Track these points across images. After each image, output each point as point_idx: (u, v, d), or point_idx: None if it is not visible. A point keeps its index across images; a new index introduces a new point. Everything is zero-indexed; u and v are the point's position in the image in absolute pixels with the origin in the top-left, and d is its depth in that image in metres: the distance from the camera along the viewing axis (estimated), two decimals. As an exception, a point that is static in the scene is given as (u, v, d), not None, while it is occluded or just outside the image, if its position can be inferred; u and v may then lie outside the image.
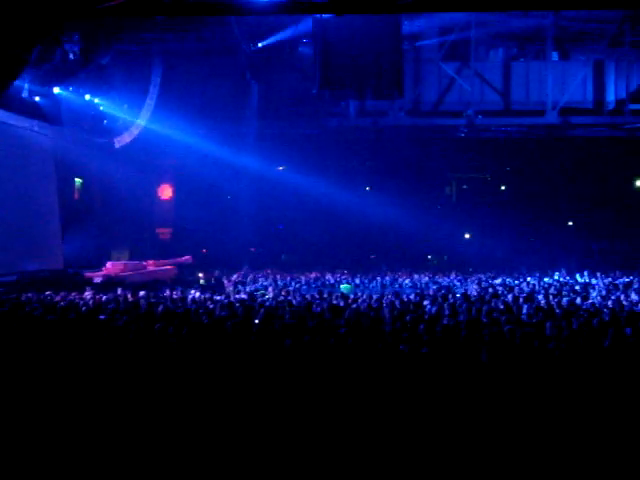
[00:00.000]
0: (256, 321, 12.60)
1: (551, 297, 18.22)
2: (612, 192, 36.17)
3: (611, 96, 28.50)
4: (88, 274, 24.88)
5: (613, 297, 18.26)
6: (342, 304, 16.31)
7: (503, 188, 40.14)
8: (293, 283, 25.63)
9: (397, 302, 16.54)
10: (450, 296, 18.30)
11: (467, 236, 39.17)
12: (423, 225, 36.74)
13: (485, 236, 37.32)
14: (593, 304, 16.65)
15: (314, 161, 34.81)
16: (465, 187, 41.04)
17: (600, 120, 28.96)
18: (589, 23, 26.17)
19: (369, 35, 24.70)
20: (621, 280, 25.02)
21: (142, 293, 18.95)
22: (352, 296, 18.53)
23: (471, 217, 38.38)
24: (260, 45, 27.50)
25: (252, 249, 37.85)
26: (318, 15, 24.03)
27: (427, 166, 37.34)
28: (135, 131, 29.72)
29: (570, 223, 38.12)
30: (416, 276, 28.47)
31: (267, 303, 16.54)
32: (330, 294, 18.82)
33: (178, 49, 28.24)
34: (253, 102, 29.62)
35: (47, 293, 18.78)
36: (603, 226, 36.08)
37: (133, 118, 29.58)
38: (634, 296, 18.68)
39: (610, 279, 25.42)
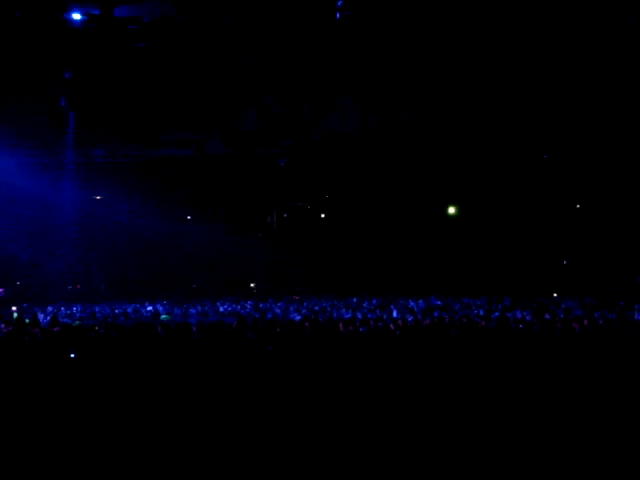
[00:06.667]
0: (72, 355, 12.25)
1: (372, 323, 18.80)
2: (424, 219, 37.53)
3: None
4: None
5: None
6: (164, 334, 16.14)
7: (323, 216, 40.91)
8: (113, 314, 25.11)
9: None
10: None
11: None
12: (245, 253, 36.94)
13: (308, 263, 37.89)
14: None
15: (134, 189, 34.28)
16: (285, 215, 41.57)
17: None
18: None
19: (188, 63, 24.67)
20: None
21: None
22: (173, 326, 18.35)
23: (292, 245, 38.93)
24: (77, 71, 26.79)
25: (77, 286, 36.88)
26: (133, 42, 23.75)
27: (247, 195, 37.58)
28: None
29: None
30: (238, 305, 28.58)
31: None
32: (152, 324, 18.57)
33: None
34: (70, 130, 28.86)
35: None
36: (418, 252, 37.39)
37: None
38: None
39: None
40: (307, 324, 18.67)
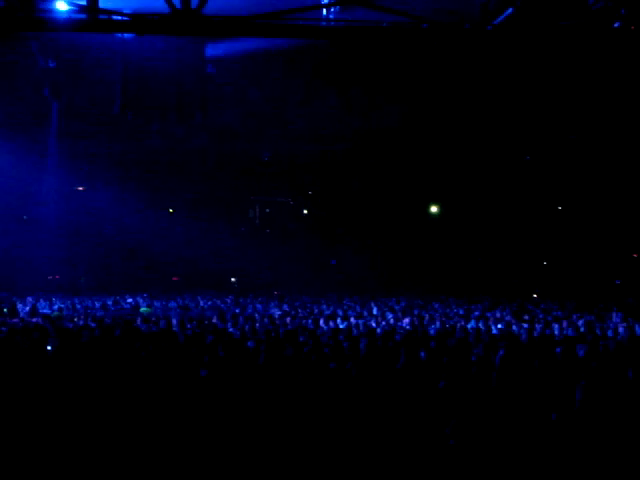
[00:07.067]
0: (49, 347, 12.19)
1: (353, 319, 18.84)
2: (407, 218, 37.60)
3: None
4: None
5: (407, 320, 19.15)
6: (144, 327, 16.15)
7: (305, 212, 40.96)
8: (94, 306, 24.98)
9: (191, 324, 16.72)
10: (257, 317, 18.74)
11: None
12: (227, 248, 36.89)
13: (290, 259, 37.88)
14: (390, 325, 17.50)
15: (118, 182, 34.15)
16: (268, 210, 41.59)
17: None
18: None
19: (172, 56, 24.47)
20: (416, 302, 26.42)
21: None
22: (153, 319, 18.38)
23: (274, 240, 38.93)
24: (61, 61, 26.54)
25: (57, 277, 36.62)
26: (119, 34, 23.54)
27: (230, 189, 37.51)
28: None
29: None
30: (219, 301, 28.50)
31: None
32: (132, 317, 18.58)
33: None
34: (53, 120, 28.67)
35: None
36: (400, 251, 37.44)
37: None
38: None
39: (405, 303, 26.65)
40: (288, 319, 18.80)
